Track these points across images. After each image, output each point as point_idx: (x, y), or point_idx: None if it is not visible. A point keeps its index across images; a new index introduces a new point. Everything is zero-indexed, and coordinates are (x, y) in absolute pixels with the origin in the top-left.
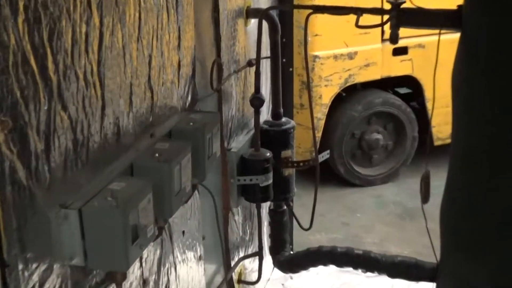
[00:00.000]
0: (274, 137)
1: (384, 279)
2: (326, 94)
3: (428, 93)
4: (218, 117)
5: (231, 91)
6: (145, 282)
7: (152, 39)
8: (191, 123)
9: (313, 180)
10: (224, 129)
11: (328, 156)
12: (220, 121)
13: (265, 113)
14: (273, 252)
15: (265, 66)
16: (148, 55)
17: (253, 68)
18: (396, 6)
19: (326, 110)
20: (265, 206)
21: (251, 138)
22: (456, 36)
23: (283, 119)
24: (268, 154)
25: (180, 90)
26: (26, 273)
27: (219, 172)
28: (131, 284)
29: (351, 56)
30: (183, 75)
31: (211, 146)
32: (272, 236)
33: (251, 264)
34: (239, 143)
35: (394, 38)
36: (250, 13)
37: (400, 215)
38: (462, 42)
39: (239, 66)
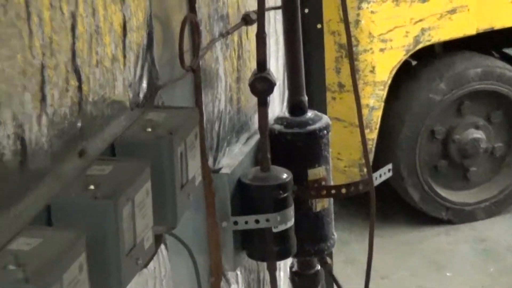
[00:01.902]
0: (294, 146)
1: None
2: (383, 64)
3: None
4: (195, 115)
5: (217, 69)
6: None
7: None
8: (149, 129)
9: (365, 217)
10: (208, 136)
11: (390, 174)
12: (200, 123)
13: (277, 105)
14: None
15: (274, 24)
16: (70, 14)
17: (254, 28)
18: None
19: (384, 93)
20: (284, 267)
21: (254, 149)
22: None
23: (309, 114)
24: (284, 175)
25: (127, 72)
26: None
27: (202, 211)
28: None
29: None
30: (132, 46)
31: (185, 167)
32: None
33: None
34: (234, 158)
35: None
36: None
37: None
38: None
39: (229, 26)
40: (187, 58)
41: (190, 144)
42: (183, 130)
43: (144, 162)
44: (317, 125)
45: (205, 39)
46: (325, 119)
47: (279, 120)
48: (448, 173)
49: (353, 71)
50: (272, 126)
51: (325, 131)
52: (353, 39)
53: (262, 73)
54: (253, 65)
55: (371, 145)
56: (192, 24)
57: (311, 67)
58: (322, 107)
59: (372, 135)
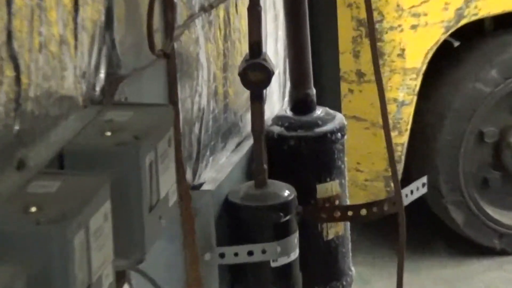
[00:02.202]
0: (299, 154)
1: None
2: (415, 46)
3: None
4: (169, 115)
5: (197, 54)
6: None
7: None
8: (108, 133)
9: (392, 246)
10: (185, 141)
11: (425, 189)
12: (175, 125)
13: (277, 100)
14: None
15: None
16: None
17: (244, 0)
18: None
19: (416, 84)
20: None
21: (246, 159)
22: None
23: (318, 112)
24: (286, 193)
25: (80, 59)
26: None
27: (178, 239)
28: None
29: None
30: (86, 25)
31: (155, 182)
32: None
33: None
34: (220, 170)
35: None
36: None
37: None
38: None
39: None
40: (158, 39)
41: (163, 152)
42: (153, 134)
43: (101, 177)
44: (328, 127)
45: (181, 15)
46: (339, 118)
47: (279, 120)
48: (501, 188)
49: (376, 55)
50: (269, 128)
51: (339, 134)
52: (376, 12)
53: (256, 59)
54: (244, 48)
55: (400, 152)
56: None
57: (320, 51)
58: (335, 103)
59: (402, 139)
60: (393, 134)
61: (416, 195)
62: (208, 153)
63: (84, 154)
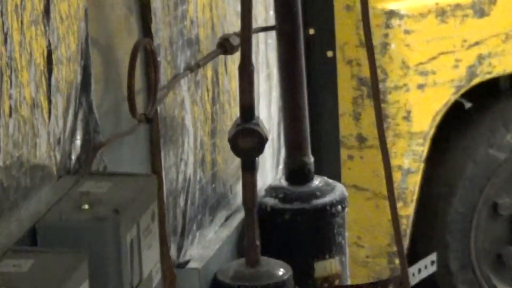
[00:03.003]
0: (295, 229)
1: None
2: (422, 108)
3: None
4: (152, 186)
5: (183, 118)
6: None
7: None
8: (86, 206)
9: None
10: (169, 214)
11: (434, 268)
12: (159, 197)
13: (270, 169)
14: None
15: (265, 52)
16: None
17: (236, 58)
18: None
19: (424, 150)
20: None
21: (236, 234)
22: None
23: (316, 181)
24: (281, 272)
25: (54, 124)
26: None
27: None
28: None
29: (480, 10)
30: (61, 86)
31: (137, 260)
32: None
33: None
34: (208, 247)
35: None
36: None
37: None
38: None
39: (200, 55)
40: (140, 102)
41: (145, 227)
42: (134, 208)
43: (78, 255)
44: (327, 198)
45: (165, 74)
46: (339, 189)
47: (272, 190)
48: None
49: (380, 117)
50: (262, 200)
51: (340, 207)
52: (378, 70)
53: (247, 124)
54: (234, 111)
55: (406, 225)
56: (146, 53)
57: (319, 113)
58: (334, 171)
59: (407, 211)
60: (398, 205)
61: (424, 274)
62: (194, 227)
63: (58, 230)
